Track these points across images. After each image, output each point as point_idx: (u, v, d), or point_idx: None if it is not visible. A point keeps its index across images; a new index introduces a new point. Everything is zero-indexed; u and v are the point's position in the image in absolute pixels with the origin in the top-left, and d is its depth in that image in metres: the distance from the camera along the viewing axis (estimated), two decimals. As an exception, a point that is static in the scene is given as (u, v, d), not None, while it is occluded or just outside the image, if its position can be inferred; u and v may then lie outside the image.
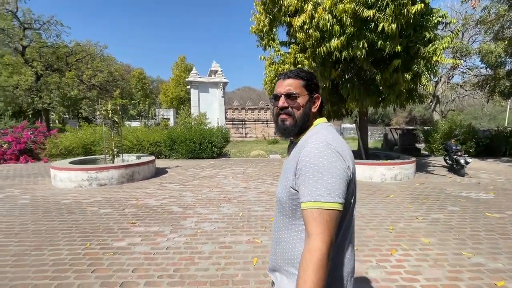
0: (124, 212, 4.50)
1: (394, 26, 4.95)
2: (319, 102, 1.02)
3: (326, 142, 0.86)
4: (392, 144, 15.71)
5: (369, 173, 6.86)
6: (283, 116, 0.99)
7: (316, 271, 0.73)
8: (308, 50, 6.22)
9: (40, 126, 12.19)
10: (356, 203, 1.29)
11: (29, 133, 11.22)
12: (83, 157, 8.08)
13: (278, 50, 7.62)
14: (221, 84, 25.98)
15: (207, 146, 10.94)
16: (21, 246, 3.24)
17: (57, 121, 36.29)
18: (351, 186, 0.88)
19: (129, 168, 6.75)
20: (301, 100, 0.97)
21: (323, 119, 1.02)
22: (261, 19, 7.79)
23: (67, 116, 35.56)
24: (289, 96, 0.97)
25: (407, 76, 5.73)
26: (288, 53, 7.42)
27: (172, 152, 11.06)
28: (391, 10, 4.93)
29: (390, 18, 4.97)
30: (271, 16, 7.91)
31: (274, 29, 8.04)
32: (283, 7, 6.49)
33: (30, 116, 26.52)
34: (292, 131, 0.99)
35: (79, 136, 10.87)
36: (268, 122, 28.08)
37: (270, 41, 8.14)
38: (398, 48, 5.26)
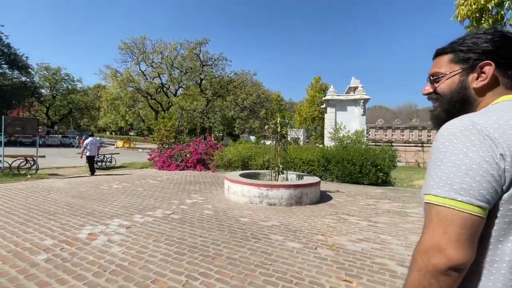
0: (319, 253, 3.35)
1: None
2: (490, 73, 0.70)
3: (468, 120, 0.63)
4: None
5: None
6: (433, 105, 0.82)
7: (411, 269, 0.63)
8: None
9: (210, 140, 14.29)
10: None
11: (203, 145, 13.30)
12: (249, 171, 8.18)
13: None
14: (362, 101, 23.15)
15: (370, 169, 8.91)
16: (224, 284, 2.58)
17: (212, 138, 44.74)
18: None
19: (298, 188, 5.87)
20: (447, 80, 0.77)
21: (504, 95, 0.70)
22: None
23: (221, 134, 43.14)
24: (433, 78, 0.81)
25: None
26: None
27: (326, 173, 9.80)
28: None
29: None
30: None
31: (508, 2, 5.37)
32: None
33: (198, 133, 33.86)
34: (438, 119, 0.80)
35: (239, 150, 11.67)
36: (424, 145, 22.29)
37: (501, 20, 5.47)
38: None
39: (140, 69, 31.96)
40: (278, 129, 6.83)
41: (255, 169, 11.04)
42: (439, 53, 0.82)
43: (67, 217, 4.52)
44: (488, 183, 0.58)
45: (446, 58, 0.79)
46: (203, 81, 27.09)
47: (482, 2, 5.40)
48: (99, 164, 12.22)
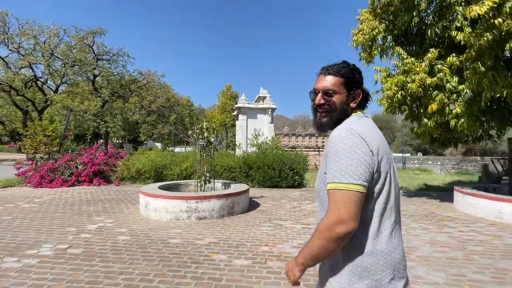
0: (270, 267, 3.11)
1: None
2: (359, 98, 1.03)
3: (349, 128, 0.90)
4: (495, 176, 12.89)
5: None
6: (319, 113, 1.03)
7: (317, 238, 0.85)
8: (472, 51, 4.74)
9: (111, 148, 11.98)
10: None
11: (101, 154, 10.97)
12: (168, 182, 7.15)
13: (405, 58, 6.26)
14: (270, 110, 25.33)
15: (288, 173, 9.54)
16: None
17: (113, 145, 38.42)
18: (380, 172, 0.89)
19: (230, 198, 5.52)
20: (338, 98, 0.99)
21: (359, 112, 1.03)
22: (369, 28, 6.74)
23: (119, 141, 37.47)
24: (326, 93, 1.00)
25: None
26: (418, 60, 6.01)
27: (248, 178, 9.84)
28: None
29: None
30: (386, 22, 6.81)
31: (390, 36, 6.87)
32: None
33: (89, 139, 28.13)
34: (327, 126, 1.03)
35: (152, 159, 10.24)
36: (320, 149, 26.28)
37: (385, 50, 6.92)
38: None
39: (-2, 54, 23.83)
40: (205, 134, 6.31)
41: (170, 180, 9.94)
42: (330, 73, 1.01)
43: None
44: (368, 169, 0.84)
45: (338, 80, 1.00)
46: (97, 78, 22.74)
47: (374, 34, 6.69)
48: None
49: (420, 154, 42.45)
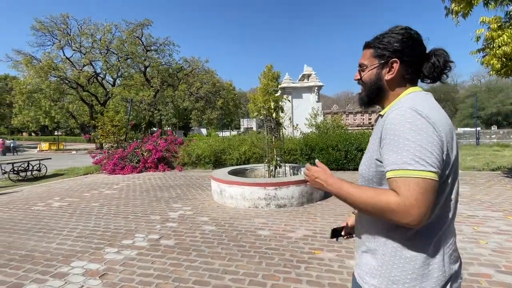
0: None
1: None
2: (396, 68, 0.88)
3: (413, 109, 0.78)
4: None
5: None
6: (361, 89, 0.99)
7: (372, 204, 0.75)
8: None
9: (170, 135, 12.36)
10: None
11: (163, 141, 11.36)
12: (236, 167, 6.91)
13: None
14: (316, 88, 23.74)
15: (356, 154, 8.62)
16: None
17: (173, 132, 41.04)
18: (448, 159, 0.78)
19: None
20: (368, 71, 0.93)
21: (417, 88, 0.90)
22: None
23: (170, 128, 39.63)
24: (360, 67, 0.96)
25: None
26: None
27: (310, 161, 9.20)
28: None
29: None
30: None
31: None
32: None
33: (144, 128, 30.24)
34: (363, 100, 0.98)
35: (210, 144, 10.22)
36: (370, 128, 24.17)
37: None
38: None
39: (64, 55, 26.51)
40: (274, 115, 5.78)
41: (230, 164, 9.83)
42: (365, 45, 0.96)
43: (-16, 273, 2.72)
44: (440, 156, 0.74)
45: (369, 52, 0.93)
46: (148, 69, 23.79)
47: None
48: (22, 174, 9.30)
49: (494, 128, 36.41)
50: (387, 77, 0.90)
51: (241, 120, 72.74)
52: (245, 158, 9.74)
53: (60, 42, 25.54)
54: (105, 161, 10.45)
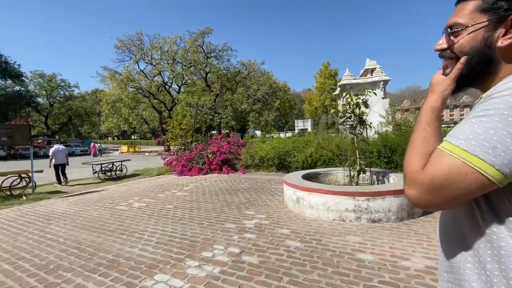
0: None
1: None
2: None
3: None
4: None
5: None
6: (443, 63, 0.68)
7: (408, 152, 0.62)
8: None
9: (232, 137, 12.41)
10: None
11: (225, 143, 11.43)
12: (308, 171, 6.26)
13: None
14: (382, 83, 21.17)
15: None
16: None
17: (234, 135, 42.80)
18: None
19: (409, 194, 4.00)
20: (469, 34, 0.61)
21: None
22: None
23: (227, 131, 41.12)
24: (451, 29, 0.64)
25: None
26: None
27: (390, 165, 7.91)
28: None
29: None
30: None
31: None
32: None
33: (204, 131, 31.90)
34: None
35: (274, 145, 9.79)
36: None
37: None
38: None
39: (139, 68, 29.96)
40: (357, 111, 4.93)
41: (295, 168, 9.20)
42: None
43: (75, 275, 2.69)
44: None
45: (471, 5, 0.62)
46: (208, 75, 25.08)
47: None
48: (108, 174, 10.42)
49: None
50: (503, 42, 0.58)
51: (296, 121, 71.58)
52: (311, 161, 8.99)
53: (135, 56, 28.94)
54: (174, 162, 11.00)
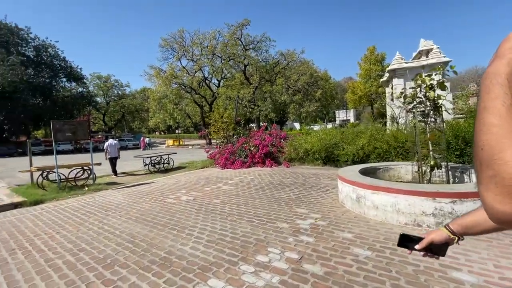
0: None
1: None
2: None
3: None
4: None
5: None
6: None
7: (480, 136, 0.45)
8: None
9: (274, 129, 12.02)
10: None
11: (268, 136, 11.09)
12: (364, 165, 5.58)
13: None
14: (439, 65, 18.46)
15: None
16: None
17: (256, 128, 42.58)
18: None
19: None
20: None
21: None
22: None
23: (265, 123, 40.82)
24: None
25: None
26: None
27: (462, 158, 6.74)
28: None
29: None
30: None
31: None
32: None
33: (243, 124, 32.01)
34: None
35: (321, 137, 9.14)
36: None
37: None
38: None
39: (181, 65, 31.19)
40: (431, 94, 4.11)
41: (344, 162, 8.48)
42: None
43: (130, 272, 2.60)
44: None
45: None
46: (247, 67, 24.97)
47: None
48: (157, 166, 10.91)
49: None
50: None
51: (336, 111, 67.94)
52: (363, 154, 8.16)
53: (178, 53, 30.11)
54: (217, 156, 11.06)
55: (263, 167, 9.88)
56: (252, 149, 10.58)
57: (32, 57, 30.11)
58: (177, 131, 58.54)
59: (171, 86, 28.31)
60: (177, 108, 30.21)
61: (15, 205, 5.87)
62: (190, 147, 30.02)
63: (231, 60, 25.20)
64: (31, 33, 29.89)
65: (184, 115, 33.00)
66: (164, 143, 37.23)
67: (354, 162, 8.35)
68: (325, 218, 3.91)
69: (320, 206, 4.53)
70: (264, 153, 10.21)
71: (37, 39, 30.42)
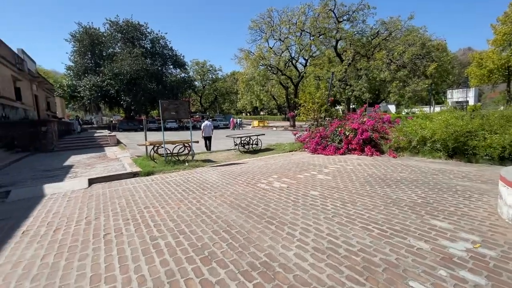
0: None
1: None
2: None
3: None
4: None
5: None
6: None
7: None
8: None
9: (377, 112, 10.17)
10: None
11: (369, 120, 9.44)
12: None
13: None
14: None
15: None
16: None
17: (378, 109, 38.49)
18: None
19: None
20: None
21: None
22: None
23: (354, 105, 36.64)
24: None
25: None
26: None
27: None
28: None
29: None
30: None
31: None
32: None
33: (330, 106, 29.52)
34: None
35: (450, 123, 7.00)
36: None
37: None
38: None
39: (268, 45, 30.92)
40: None
41: (485, 155, 6.26)
42: None
43: (228, 275, 2.20)
44: None
45: None
46: (339, 42, 22.37)
47: None
48: (246, 147, 11.02)
49: None
50: None
51: (449, 91, 55.01)
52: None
53: (266, 34, 29.86)
54: (307, 139, 10.24)
55: (360, 155, 8.49)
56: (348, 133, 9.25)
57: (149, 48, 35.83)
58: (261, 113, 60.13)
59: (258, 67, 28.59)
60: (263, 89, 30.54)
61: (133, 174, 6.76)
62: (275, 128, 30.18)
63: (321, 36, 23.04)
64: (148, 28, 35.39)
65: (269, 96, 33.21)
66: (250, 124, 38.88)
67: (501, 158, 6.06)
68: (489, 244, 2.61)
69: (470, 221, 3.17)
70: (363, 139, 8.73)
71: (152, 33, 35.82)
